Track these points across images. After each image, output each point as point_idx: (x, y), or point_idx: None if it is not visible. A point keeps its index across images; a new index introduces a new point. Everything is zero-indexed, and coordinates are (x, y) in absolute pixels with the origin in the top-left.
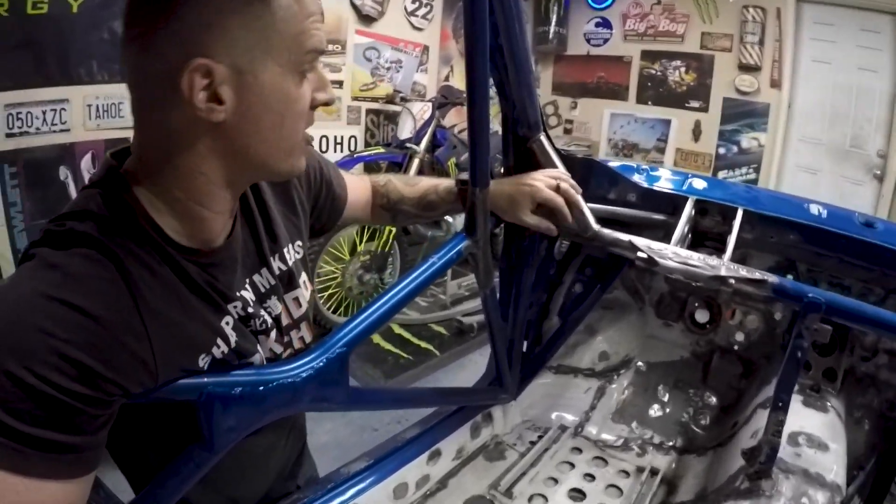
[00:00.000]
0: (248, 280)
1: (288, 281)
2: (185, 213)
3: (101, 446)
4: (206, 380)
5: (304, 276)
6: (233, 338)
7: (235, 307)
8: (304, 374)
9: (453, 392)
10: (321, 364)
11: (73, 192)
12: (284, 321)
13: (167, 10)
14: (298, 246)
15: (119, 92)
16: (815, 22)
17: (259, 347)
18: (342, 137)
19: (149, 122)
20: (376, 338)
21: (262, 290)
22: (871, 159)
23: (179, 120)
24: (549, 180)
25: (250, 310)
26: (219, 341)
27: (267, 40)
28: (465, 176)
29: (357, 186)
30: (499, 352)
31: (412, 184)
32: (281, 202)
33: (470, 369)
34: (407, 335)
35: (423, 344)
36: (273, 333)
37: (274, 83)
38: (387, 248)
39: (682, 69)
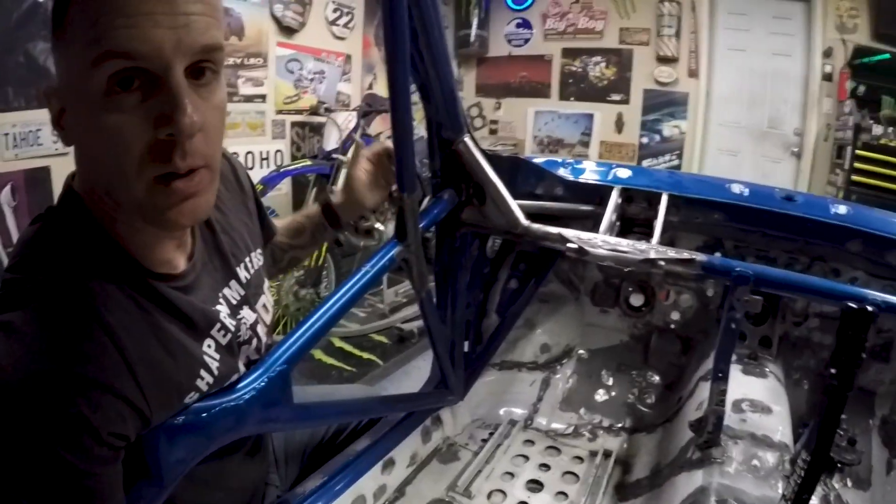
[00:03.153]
0: (219, 295)
1: (255, 289)
2: (134, 237)
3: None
4: None
5: (266, 283)
6: (214, 364)
7: (216, 328)
8: (246, 397)
9: (400, 399)
10: (263, 384)
11: None
12: (260, 329)
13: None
14: (259, 253)
15: (37, 118)
16: (728, 12)
17: (240, 361)
18: (267, 152)
19: None
20: (318, 353)
21: (234, 301)
22: (788, 138)
23: None
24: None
25: (230, 325)
26: (202, 373)
27: (67, 57)
28: (332, 198)
29: None
30: (440, 354)
31: (283, 219)
32: (240, 210)
33: (414, 375)
34: (348, 348)
35: (366, 355)
36: (254, 342)
37: (76, 110)
38: (320, 262)
39: (603, 64)
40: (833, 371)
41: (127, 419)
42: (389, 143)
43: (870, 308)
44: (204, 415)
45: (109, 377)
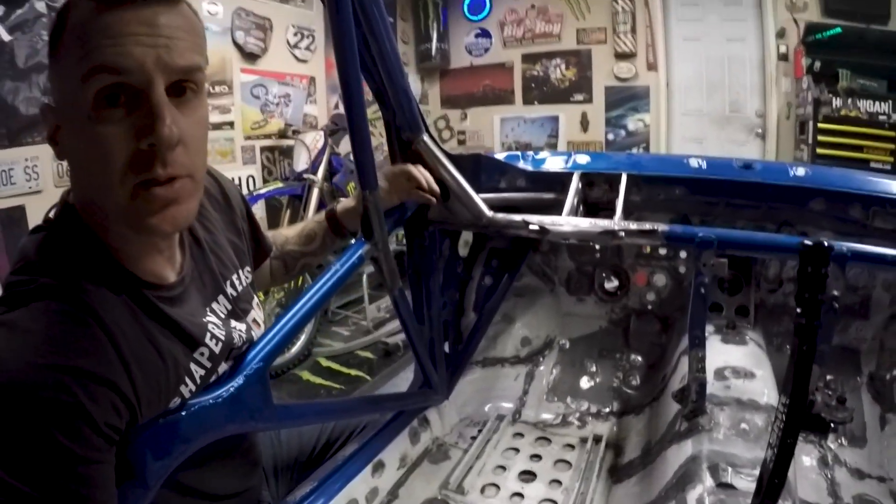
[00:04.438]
0: (207, 308)
1: (245, 304)
2: (125, 247)
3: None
4: None
5: (256, 299)
6: (200, 372)
7: (208, 337)
8: (225, 395)
9: (385, 399)
10: (240, 382)
11: None
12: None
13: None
14: (248, 272)
15: (10, 157)
16: (681, 4)
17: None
18: (239, 178)
19: None
20: (305, 374)
21: (223, 314)
22: (751, 120)
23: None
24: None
25: (221, 335)
26: (187, 380)
27: (61, 77)
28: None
29: None
30: (420, 353)
31: (295, 226)
32: (229, 229)
33: (403, 387)
34: (335, 366)
35: (353, 371)
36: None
37: (69, 125)
38: (299, 282)
39: (563, 66)
40: (798, 311)
41: (121, 413)
42: (405, 166)
43: (826, 243)
44: (183, 413)
45: (106, 371)
